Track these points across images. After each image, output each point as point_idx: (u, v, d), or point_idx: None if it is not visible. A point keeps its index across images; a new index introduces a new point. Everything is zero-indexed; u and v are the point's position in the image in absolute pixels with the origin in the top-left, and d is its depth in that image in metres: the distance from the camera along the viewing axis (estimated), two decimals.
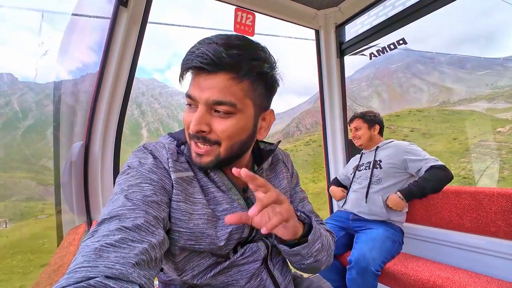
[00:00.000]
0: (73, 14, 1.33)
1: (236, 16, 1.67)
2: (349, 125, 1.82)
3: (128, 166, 0.54)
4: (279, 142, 0.73)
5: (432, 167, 1.41)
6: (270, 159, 0.69)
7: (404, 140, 1.74)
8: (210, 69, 0.48)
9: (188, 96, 0.52)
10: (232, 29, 1.66)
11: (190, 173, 0.57)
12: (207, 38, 0.50)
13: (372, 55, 1.83)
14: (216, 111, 0.51)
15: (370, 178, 1.61)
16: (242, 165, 0.62)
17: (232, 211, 0.57)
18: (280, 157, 0.74)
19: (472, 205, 1.42)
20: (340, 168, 2.13)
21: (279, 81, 0.57)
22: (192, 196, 0.55)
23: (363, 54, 1.89)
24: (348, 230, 1.62)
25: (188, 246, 0.54)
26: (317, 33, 2.07)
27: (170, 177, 0.54)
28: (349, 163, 1.91)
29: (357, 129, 1.76)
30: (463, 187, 1.50)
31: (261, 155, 0.69)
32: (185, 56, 0.50)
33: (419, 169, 1.46)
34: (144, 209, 0.44)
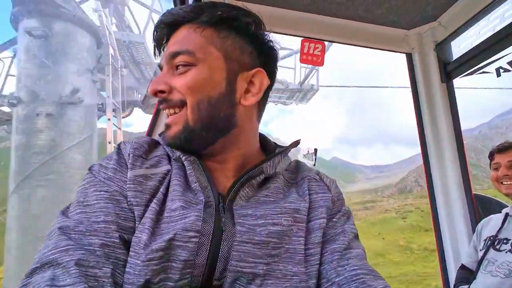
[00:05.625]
0: None
1: (302, 47, 1.55)
2: (493, 159, 1.21)
3: (88, 169, 0.48)
4: (296, 142, 0.57)
5: None
6: (279, 165, 0.52)
7: None
8: (169, 24, 0.48)
9: (159, 68, 0.50)
10: None
11: (159, 169, 0.48)
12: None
13: (502, 70, 1.27)
14: (177, 68, 0.46)
15: None
16: (238, 156, 0.50)
17: (188, 213, 0.42)
18: (313, 174, 0.56)
19: None
20: (463, 245, 1.41)
21: (271, 43, 0.51)
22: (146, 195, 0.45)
23: (484, 72, 1.35)
24: None
25: None
26: (409, 57, 1.68)
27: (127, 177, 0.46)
28: (476, 233, 1.25)
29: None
30: None
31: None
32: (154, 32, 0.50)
33: None
34: (86, 243, 0.38)
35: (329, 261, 0.46)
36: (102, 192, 0.43)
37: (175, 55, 0.46)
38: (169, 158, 0.50)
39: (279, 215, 0.46)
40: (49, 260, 0.36)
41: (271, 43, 0.52)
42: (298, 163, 0.59)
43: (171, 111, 0.47)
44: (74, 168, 5.12)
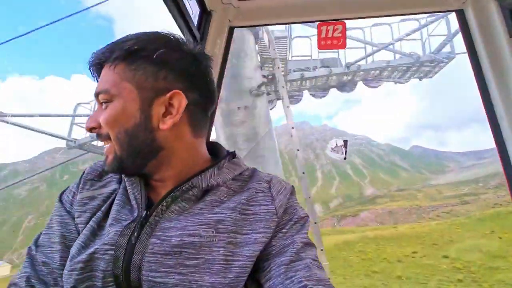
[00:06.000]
0: None
1: (320, 32, 1.43)
2: None
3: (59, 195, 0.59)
4: (231, 153, 0.60)
5: None
6: (216, 177, 0.53)
7: None
8: (94, 65, 0.52)
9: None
10: None
11: (106, 189, 0.56)
12: None
13: None
14: (103, 103, 0.51)
15: None
16: (173, 173, 0.53)
17: (111, 230, 0.48)
18: (261, 185, 0.55)
19: None
20: None
21: (191, 57, 0.52)
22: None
23: None
24: None
25: None
26: (461, 14, 1.35)
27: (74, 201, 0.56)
28: None
29: None
30: None
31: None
32: None
33: None
34: (38, 262, 0.50)
35: (277, 275, 0.45)
36: (56, 217, 0.55)
37: (97, 94, 0.51)
38: (121, 178, 0.57)
39: (198, 226, 0.47)
40: (14, 282, 0.49)
41: (184, 61, 0.52)
42: (253, 172, 0.59)
43: (105, 143, 0.53)
44: (270, 152, 5.89)
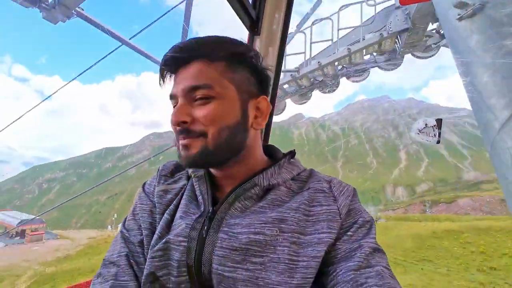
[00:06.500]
0: None
1: None
2: None
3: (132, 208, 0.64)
4: (289, 153, 0.61)
5: None
6: (276, 176, 0.55)
7: None
8: (181, 59, 0.51)
9: (170, 97, 0.53)
10: None
11: (177, 184, 0.60)
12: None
13: None
14: (195, 100, 0.50)
15: None
16: (242, 171, 0.55)
17: (182, 222, 0.52)
18: (321, 185, 0.54)
19: None
20: None
21: (265, 71, 0.56)
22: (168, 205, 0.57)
23: None
24: None
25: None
26: None
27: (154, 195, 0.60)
28: None
29: None
30: None
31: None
32: (161, 64, 0.53)
33: None
34: (132, 241, 0.56)
35: (345, 280, 0.44)
36: (141, 205, 0.60)
37: (194, 88, 0.50)
38: (189, 175, 0.61)
39: (263, 225, 0.48)
40: (113, 261, 0.54)
41: (265, 71, 0.57)
42: (311, 173, 0.59)
43: (185, 139, 0.51)
44: None
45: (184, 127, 0.50)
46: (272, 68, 1.15)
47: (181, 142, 0.51)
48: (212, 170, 0.57)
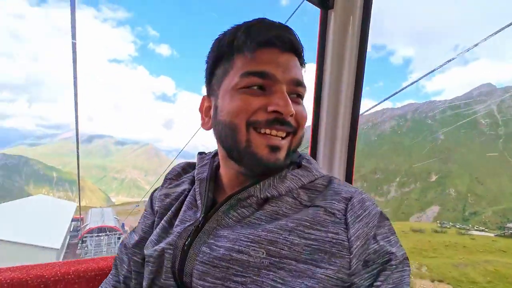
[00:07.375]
0: None
1: None
2: None
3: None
4: (300, 158, 0.55)
5: None
6: (273, 187, 0.48)
7: None
8: (289, 44, 0.46)
9: (259, 73, 0.44)
10: None
11: (179, 188, 0.60)
12: (261, 20, 0.46)
13: None
14: (291, 94, 0.47)
15: None
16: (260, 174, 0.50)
17: (175, 230, 0.52)
18: (334, 204, 0.44)
19: None
20: None
21: None
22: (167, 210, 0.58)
23: None
24: None
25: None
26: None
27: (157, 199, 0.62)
28: None
29: None
30: None
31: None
32: (254, 32, 0.44)
33: None
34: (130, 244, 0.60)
35: None
36: (144, 211, 0.63)
37: (299, 84, 0.47)
38: (193, 179, 0.59)
39: (249, 244, 0.43)
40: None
41: None
42: (330, 182, 0.50)
43: (281, 134, 0.46)
44: None
45: (289, 121, 0.46)
46: (353, 51, 0.97)
47: (272, 142, 0.45)
48: (222, 171, 0.54)
